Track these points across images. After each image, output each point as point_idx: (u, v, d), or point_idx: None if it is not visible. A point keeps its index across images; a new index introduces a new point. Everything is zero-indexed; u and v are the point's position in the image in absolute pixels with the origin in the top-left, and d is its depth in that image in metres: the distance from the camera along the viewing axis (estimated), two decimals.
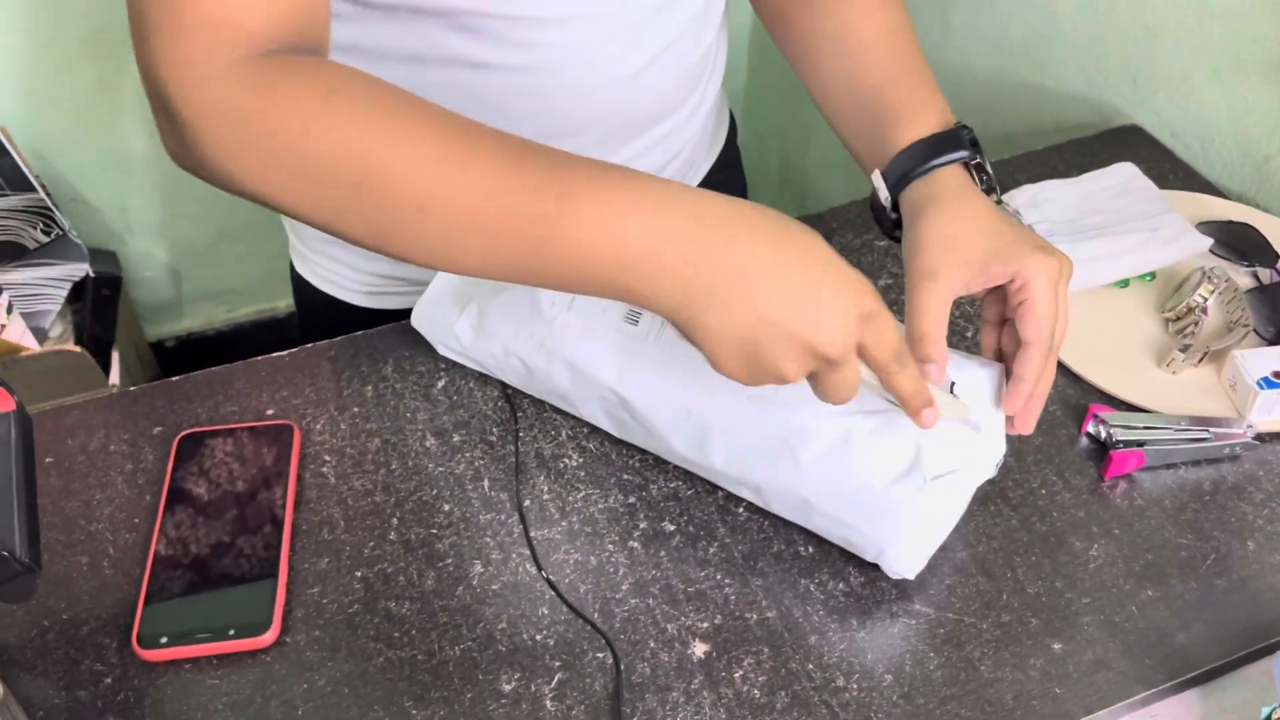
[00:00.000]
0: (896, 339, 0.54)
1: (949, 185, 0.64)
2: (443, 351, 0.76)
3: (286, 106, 0.51)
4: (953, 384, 0.62)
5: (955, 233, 0.62)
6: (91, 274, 1.49)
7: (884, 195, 0.67)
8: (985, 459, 0.63)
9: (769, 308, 0.50)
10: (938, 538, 0.63)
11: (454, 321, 0.73)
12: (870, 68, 0.71)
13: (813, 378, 0.54)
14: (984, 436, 0.62)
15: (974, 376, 0.63)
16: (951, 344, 0.77)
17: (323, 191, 0.52)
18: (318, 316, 0.90)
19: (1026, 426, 0.63)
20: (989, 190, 0.66)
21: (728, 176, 0.97)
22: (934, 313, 0.60)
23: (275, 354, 0.78)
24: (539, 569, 0.65)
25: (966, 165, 0.66)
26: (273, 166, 0.52)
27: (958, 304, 0.82)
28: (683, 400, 0.65)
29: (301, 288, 0.91)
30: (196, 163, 0.54)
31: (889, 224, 0.68)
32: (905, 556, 0.62)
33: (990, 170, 0.66)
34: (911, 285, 0.62)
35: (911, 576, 0.63)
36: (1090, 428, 0.72)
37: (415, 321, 0.76)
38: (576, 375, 0.68)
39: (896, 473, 0.61)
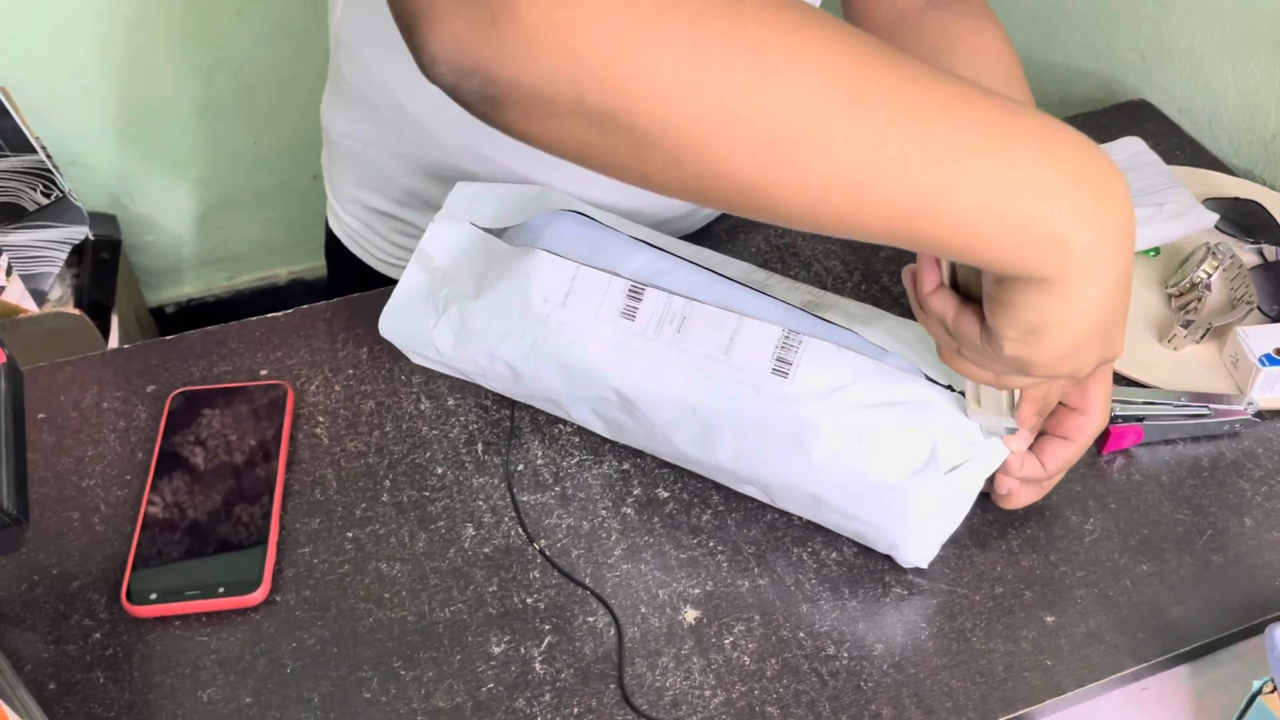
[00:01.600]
0: None
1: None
2: (417, 360, 0.71)
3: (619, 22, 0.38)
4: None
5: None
6: (91, 237, 1.49)
7: None
8: (997, 448, 0.61)
9: (1120, 304, 0.48)
10: (951, 526, 0.62)
11: (431, 328, 0.68)
12: None
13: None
14: (987, 424, 0.61)
15: None
16: None
17: (729, 76, 0.39)
18: (345, 278, 0.91)
19: (1011, 503, 0.63)
20: None
21: None
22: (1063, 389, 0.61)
23: (270, 314, 0.78)
24: (528, 538, 0.65)
25: None
26: (667, 44, 0.38)
27: None
28: (687, 397, 0.62)
29: (332, 242, 0.92)
30: (517, 45, 0.38)
31: None
32: (920, 547, 0.61)
33: None
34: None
35: (924, 565, 0.62)
36: None
37: (384, 331, 0.70)
38: (570, 375, 0.65)
39: (913, 467, 0.59)
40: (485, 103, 0.40)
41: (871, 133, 0.41)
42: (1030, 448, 0.62)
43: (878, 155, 0.41)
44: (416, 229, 0.83)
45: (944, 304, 0.52)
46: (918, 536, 0.61)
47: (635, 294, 0.64)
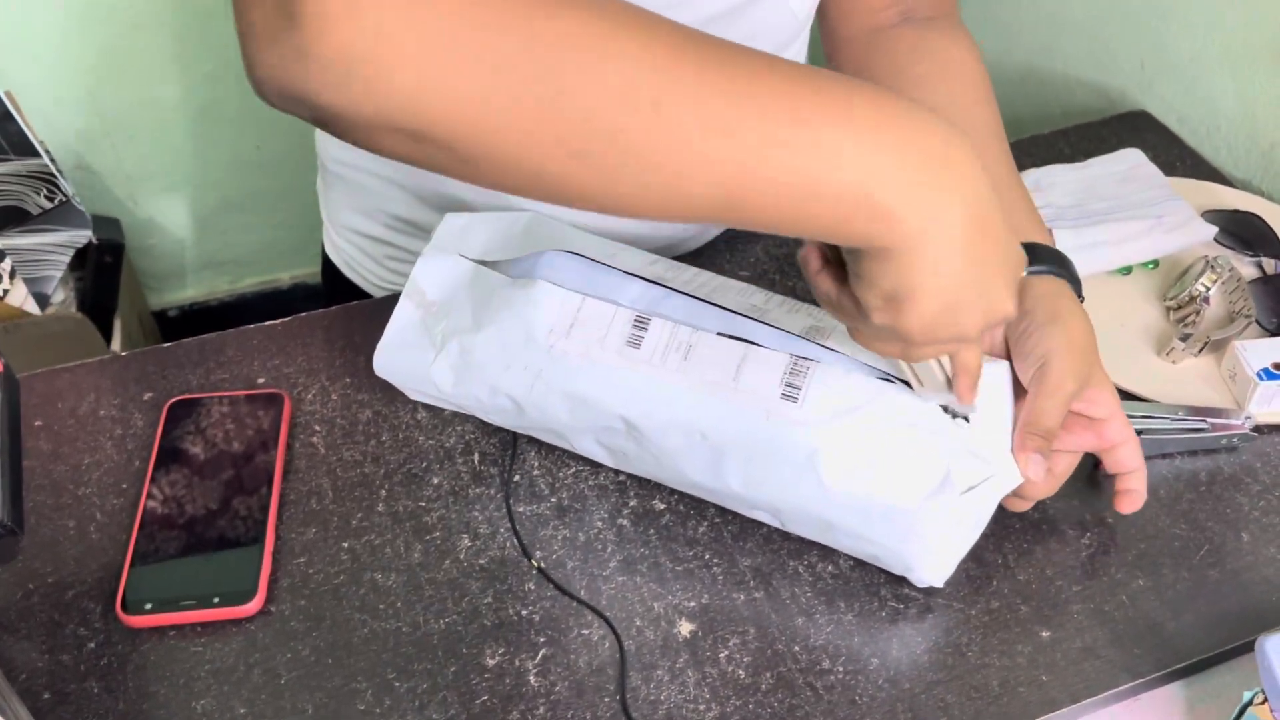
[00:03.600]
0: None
1: (1066, 295, 0.63)
2: (414, 397, 0.71)
3: (515, 37, 0.40)
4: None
5: (1084, 345, 0.62)
6: (95, 241, 1.49)
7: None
8: (1008, 467, 0.60)
9: (983, 259, 0.48)
10: (966, 546, 0.61)
11: (429, 364, 0.67)
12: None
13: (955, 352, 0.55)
14: (997, 443, 0.60)
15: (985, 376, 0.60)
16: None
17: (512, 95, 0.40)
18: (337, 295, 0.91)
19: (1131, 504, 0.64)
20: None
21: None
22: (1062, 412, 0.61)
23: (268, 322, 0.78)
24: (524, 553, 0.65)
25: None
26: (464, 68, 0.40)
27: None
28: (696, 423, 0.62)
29: (329, 272, 0.92)
30: (325, 75, 0.40)
31: None
32: (936, 568, 0.61)
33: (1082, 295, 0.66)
34: (1046, 381, 0.60)
35: (940, 585, 0.62)
36: None
37: (379, 369, 0.69)
38: (576, 405, 0.64)
39: (927, 489, 0.59)
40: (317, 123, 0.42)
41: (678, 132, 0.42)
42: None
43: (687, 152, 0.42)
44: (412, 255, 0.83)
45: (826, 282, 0.52)
46: (933, 557, 0.61)
47: (641, 323, 0.63)
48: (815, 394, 0.60)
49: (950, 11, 0.76)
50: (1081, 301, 0.65)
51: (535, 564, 0.64)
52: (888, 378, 0.60)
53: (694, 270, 0.68)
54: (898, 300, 0.48)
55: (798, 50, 0.80)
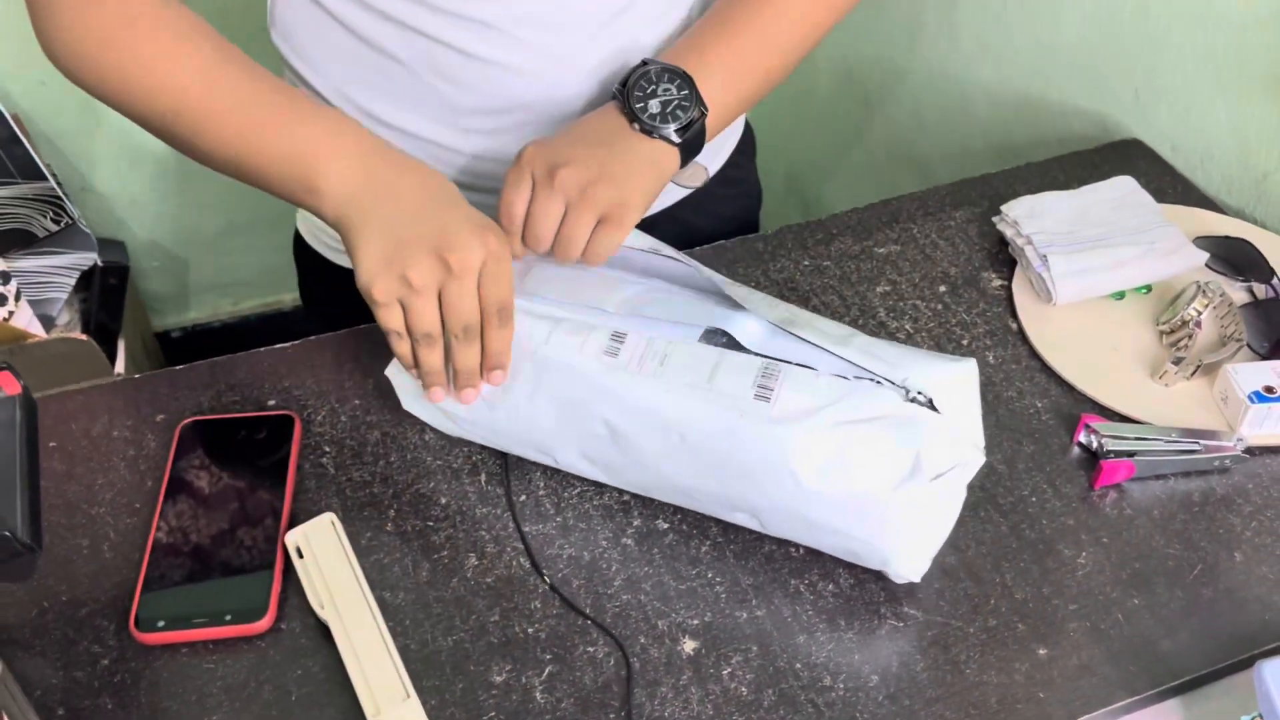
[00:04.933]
0: (509, 285, 0.63)
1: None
2: (413, 411, 0.73)
3: (99, 28, 0.66)
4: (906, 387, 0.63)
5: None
6: (100, 263, 1.51)
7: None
8: (974, 452, 0.63)
9: (411, 218, 0.63)
10: (940, 537, 0.63)
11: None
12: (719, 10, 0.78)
13: (440, 293, 0.62)
14: (964, 432, 0.63)
15: (944, 372, 0.63)
16: (946, 352, 0.78)
17: (120, 90, 0.67)
18: (308, 270, 0.96)
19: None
20: (630, 119, 0.73)
21: (732, 193, 0.96)
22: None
23: (278, 345, 0.79)
24: (537, 571, 0.66)
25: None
26: (90, 69, 0.67)
27: (953, 311, 0.83)
28: (674, 424, 0.64)
29: (300, 248, 0.96)
30: (48, 56, 0.69)
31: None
32: (911, 560, 0.63)
33: (629, 107, 0.73)
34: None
35: (918, 579, 0.64)
36: (1082, 437, 0.73)
37: (390, 373, 0.72)
38: (563, 410, 0.66)
39: (898, 478, 0.61)
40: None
41: (188, 129, 0.67)
42: None
43: (201, 144, 0.67)
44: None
45: None
46: (907, 548, 0.62)
47: (618, 337, 0.66)
48: (787, 394, 0.62)
49: None
50: (639, 123, 0.72)
51: (546, 579, 0.65)
52: (861, 376, 0.62)
53: (688, 262, 0.70)
54: (354, 268, 0.63)
55: None
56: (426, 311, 0.62)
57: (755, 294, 0.68)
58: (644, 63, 0.74)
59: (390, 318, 0.63)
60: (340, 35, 0.76)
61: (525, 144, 0.71)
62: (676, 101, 0.72)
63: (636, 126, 0.71)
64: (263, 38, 0.82)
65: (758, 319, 0.66)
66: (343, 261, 0.90)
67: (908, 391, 0.62)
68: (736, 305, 0.67)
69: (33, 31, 0.70)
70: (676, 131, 0.72)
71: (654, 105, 0.72)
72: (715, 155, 0.94)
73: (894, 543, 0.62)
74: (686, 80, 0.73)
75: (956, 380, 0.64)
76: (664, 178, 0.73)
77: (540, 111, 0.78)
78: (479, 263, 0.62)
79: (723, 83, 0.74)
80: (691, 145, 0.73)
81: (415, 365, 0.66)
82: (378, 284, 0.62)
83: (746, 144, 0.99)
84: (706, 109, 0.73)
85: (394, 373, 0.72)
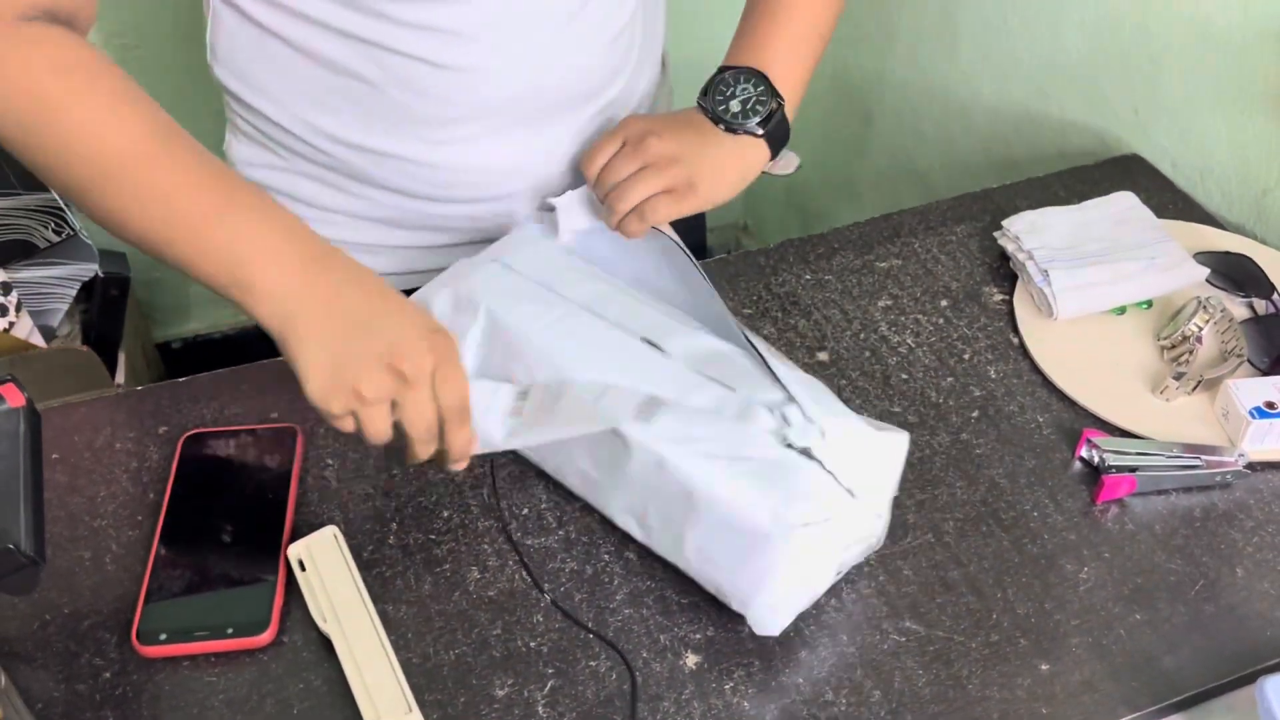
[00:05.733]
0: (464, 386, 0.61)
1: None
2: None
3: (22, 74, 0.59)
4: (824, 434, 0.62)
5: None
6: (101, 274, 1.51)
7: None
8: (857, 522, 0.62)
9: (357, 329, 0.59)
10: (805, 596, 0.62)
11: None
12: (766, 12, 0.81)
13: (396, 404, 0.60)
14: (858, 500, 0.61)
15: (863, 433, 0.63)
16: (948, 366, 0.79)
17: (35, 143, 0.60)
18: None
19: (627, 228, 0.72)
20: (715, 120, 0.77)
21: None
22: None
23: (281, 357, 0.79)
24: (536, 586, 0.66)
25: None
26: (10, 122, 0.60)
27: (954, 325, 0.83)
28: (589, 453, 0.66)
29: None
30: None
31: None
32: (769, 609, 0.61)
33: (713, 110, 0.77)
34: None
35: (775, 634, 0.62)
36: (1083, 452, 0.73)
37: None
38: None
39: (765, 519, 0.59)
40: None
41: (113, 203, 0.60)
42: None
43: (122, 216, 0.61)
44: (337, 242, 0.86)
45: None
46: (766, 594, 0.61)
47: (522, 395, 0.66)
48: (666, 420, 0.63)
49: None
50: (722, 123, 0.77)
51: (546, 595, 0.65)
52: (808, 454, 0.61)
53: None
54: (300, 380, 0.60)
55: None
56: (379, 420, 0.60)
57: (687, 326, 0.69)
58: (720, 70, 0.78)
59: (345, 425, 0.61)
60: (291, 58, 0.75)
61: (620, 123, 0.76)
62: (754, 98, 0.77)
63: (722, 126, 0.77)
64: (200, 75, 0.82)
65: (700, 339, 0.67)
66: None
67: (786, 438, 0.61)
68: (693, 325, 0.69)
69: None
70: (759, 124, 0.77)
71: (734, 105, 0.77)
72: None
73: (751, 586, 0.61)
74: (760, 77, 0.78)
75: (873, 444, 0.63)
76: (752, 171, 0.78)
77: (509, 115, 0.78)
78: (431, 368, 0.60)
79: (788, 71, 0.79)
80: (776, 135, 0.78)
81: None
82: (331, 400, 0.59)
83: None
84: (782, 99, 0.78)
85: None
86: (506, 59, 0.75)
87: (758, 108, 0.77)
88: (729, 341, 0.67)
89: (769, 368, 0.64)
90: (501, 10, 0.73)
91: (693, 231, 1.03)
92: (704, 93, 0.78)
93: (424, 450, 0.62)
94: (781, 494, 0.60)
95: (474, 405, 0.64)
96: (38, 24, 0.60)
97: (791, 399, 0.63)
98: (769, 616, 0.61)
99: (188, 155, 0.61)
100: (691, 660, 0.62)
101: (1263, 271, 0.84)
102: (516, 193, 0.82)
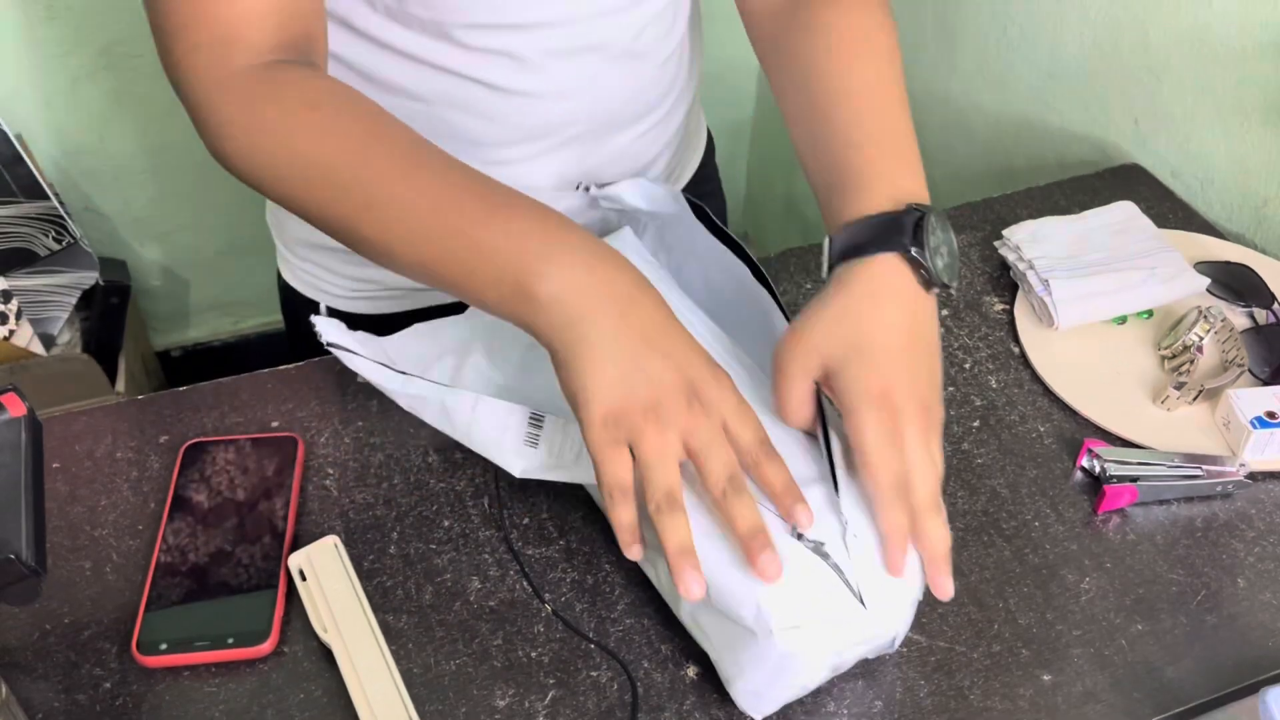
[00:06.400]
0: (754, 413, 0.55)
1: (871, 276, 0.60)
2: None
3: (276, 115, 0.61)
4: (845, 526, 0.57)
5: (832, 324, 0.60)
6: (101, 282, 1.51)
7: (824, 267, 0.63)
8: (863, 628, 0.57)
9: (651, 346, 0.54)
10: (790, 689, 0.58)
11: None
12: (840, 126, 0.67)
13: (687, 444, 0.55)
14: (869, 610, 0.56)
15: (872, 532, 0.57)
16: (948, 376, 0.79)
17: (301, 186, 0.61)
18: (302, 322, 0.91)
19: (938, 588, 0.57)
20: (928, 285, 0.61)
21: (709, 190, 0.99)
22: (791, 389, 0.59)
23: (282, 367, 0.79)
24: (537, 595, 0.66)
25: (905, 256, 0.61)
26: (265, 164, 0.61)
27: (955, 334, 0.83)
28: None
29: (287, 294, 0.94)
30: (214, 155, 0.63)
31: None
32: (752, 694, 0.58)
33: (931, 264, 0.60)
34: (774, 354, 0.61)
35: (758, 718, 0.59)
36: (1084, 462, 0.73)
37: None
38: None
39: (749, 614, 0.55)
40: (229, 171, 0.64)
41: (379, 227, 0.59)
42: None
43: (390, 241, 0.59)
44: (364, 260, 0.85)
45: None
46: (748, 683, 0.58)
47: (536, 421, 0.63)
48: None
49: None
50: (942, 288, 0.61)
51: (548, 605, 0.65)
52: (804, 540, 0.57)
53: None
54: (579, 401, 0.55)
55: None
56: (668, 455, 0.53)
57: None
58: (914, 210, 0.62)
59: (616, 467, 0.54)
60: (344, 76, 0.74)
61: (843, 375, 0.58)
62: (948, 248, 0.62)
63: (929, 288, 0.61)
64: None
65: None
66: (342, 307, 0.89)
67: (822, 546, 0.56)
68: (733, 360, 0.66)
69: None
70: (952, 280, 0.62)
71: (940, 260, 0.61)
72: (685, 169, 0.95)
73: (733, 668, 0.58)
74: (945, 219, 0.63)
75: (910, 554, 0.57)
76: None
77: (560, 137, 0.79)
78: (734, 402, 0.54)
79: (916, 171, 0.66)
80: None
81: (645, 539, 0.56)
82: (618, 424, 0.53)
83: (709, 150, 1.01)
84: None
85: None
86: (563, 85, 0.76)
87: (953, 262, 0.62)
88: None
89: (824, 431, 0.58)
90: (563, 39, 0.73)
91: (721, 215, 1.04)
92: (912, 237, 0.60)
93: (736, 509, 0.53)
94: (773, 591, 0.54)
95: (487, 426, 0.62)
96: (277, 67, 0.62)
97: (825, 478, 0.57)
98: (752, 701, 0.59)
99: (447, 169, 0.60)
100: (693, 671, 0.62)
101: (1263, 281, 0.84)
102: (564, 211, 0.81)
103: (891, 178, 0.64)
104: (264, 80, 0.61)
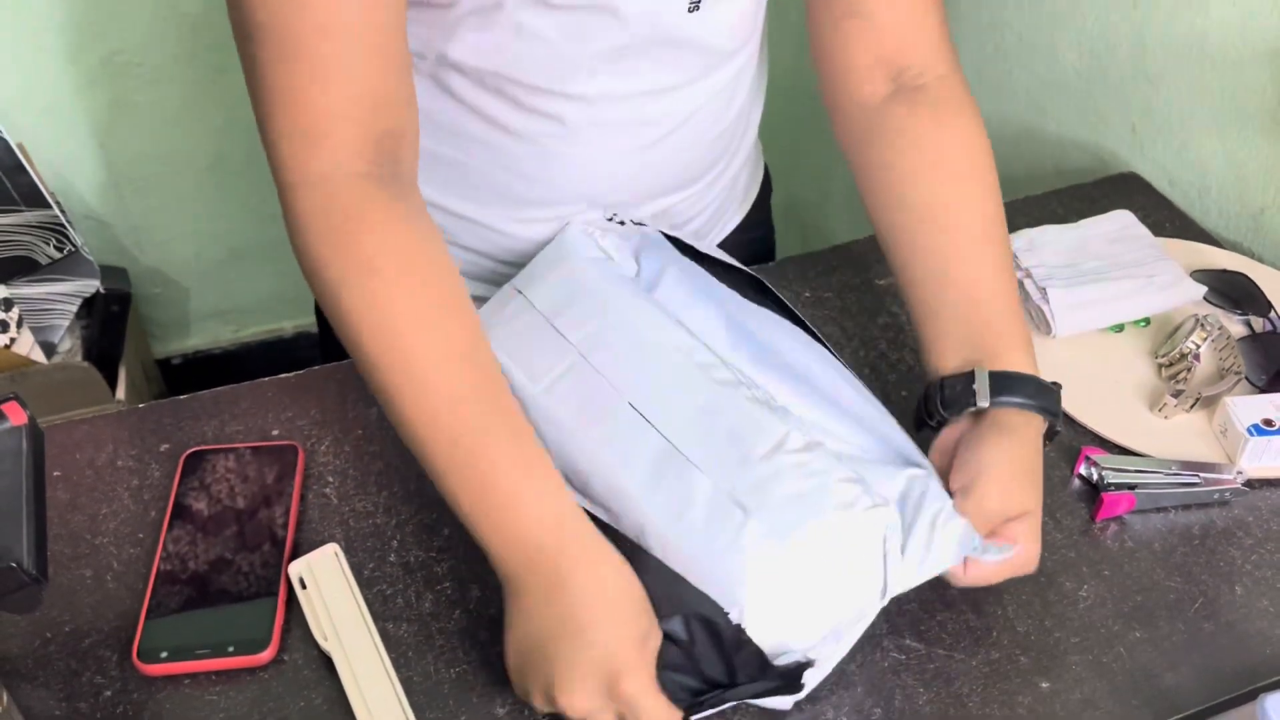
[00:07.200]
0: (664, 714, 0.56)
1: (1027, 431, 0.66)
2: None
3: (337, 265, 0.60)
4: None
5: (1022, 470, 0.64)
6: (102, 290, 1.51)
7: (983, 398, 0.65)
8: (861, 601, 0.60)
9: (557, 612, 0.57)
10: (808, 614, 0.59)
11: None
12: (964, 263, 0.70)
13: None
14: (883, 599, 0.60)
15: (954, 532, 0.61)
16: None
17: (352, 330, 0.60)
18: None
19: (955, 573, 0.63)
20: (1049, 436, 0.68)
21: (754, 236, 0.95)
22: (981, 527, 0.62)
23: (282, 375, 0.80)
24: None
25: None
26: (322, 293, 0.61)
27: None
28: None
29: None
30: (291, 244, 0.63)
31: (936, 415, 0.68)
32: (768, 619, 0.59)
33: (1059, 429, 0.68)
34: (970, 496, 0.63)
35: (766, 648, 0.59)
36: (1082, 470, 0.73)
37: None
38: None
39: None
40: None
41: (426, 459, 0.60)
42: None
43: (432, 467, 0.60)
44: None
45: None
46: (760, 595, 0.59)
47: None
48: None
49: (946, 74, 0.74)
50: (1055, 435, 0.68)
51: None
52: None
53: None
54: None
55: (747, 58, 0.79)
56: None
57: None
58: (1057, 385, 0.68)
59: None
60: None
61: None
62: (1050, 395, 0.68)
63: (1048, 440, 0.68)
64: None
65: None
66: None
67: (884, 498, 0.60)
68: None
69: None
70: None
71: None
72: (742, 206, 0.93)
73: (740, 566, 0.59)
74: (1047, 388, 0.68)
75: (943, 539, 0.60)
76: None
77: (601, 200, 0.78)
78: (599, 704, 0.56)
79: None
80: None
81: None
82: (517, 678, 0.59)
83: (765, 189, 0.99)
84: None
85: None
86: (608, 154, 0.76)
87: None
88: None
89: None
90: (613, 111, 0.73)
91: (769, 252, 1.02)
92: (1051, 413, 0.66)
93: None
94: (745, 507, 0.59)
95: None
96: (363, 188, 0.60)
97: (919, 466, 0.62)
98: (763, 625, 0.59)
99: (499, 423, 0.60)
100: None
101: (1260, 289, 0.84)
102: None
103: (1027, 339, 0.69)
104: (337, 213, 0.60)
